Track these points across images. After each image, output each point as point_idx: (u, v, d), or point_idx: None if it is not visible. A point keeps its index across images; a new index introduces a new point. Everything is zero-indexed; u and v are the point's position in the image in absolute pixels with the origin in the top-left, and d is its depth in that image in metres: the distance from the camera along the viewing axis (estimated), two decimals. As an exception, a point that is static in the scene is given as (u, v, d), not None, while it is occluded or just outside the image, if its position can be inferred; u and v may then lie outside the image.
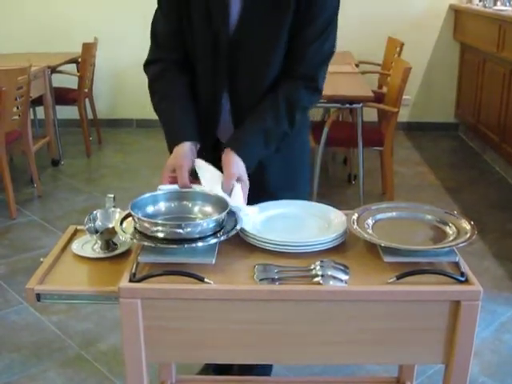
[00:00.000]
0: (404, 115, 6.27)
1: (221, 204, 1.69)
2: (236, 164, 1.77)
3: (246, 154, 1.81)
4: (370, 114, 5.11)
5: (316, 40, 1.84)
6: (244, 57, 1.88)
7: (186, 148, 1.84)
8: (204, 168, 1.80)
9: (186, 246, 1.54)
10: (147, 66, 2.04)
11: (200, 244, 1.55)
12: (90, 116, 5.99)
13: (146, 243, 1.56)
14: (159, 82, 1.99)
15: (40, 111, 5.54)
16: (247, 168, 1.79)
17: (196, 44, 1.91)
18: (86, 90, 5.76)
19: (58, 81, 5.58)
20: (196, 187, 1.77)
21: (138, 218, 1.60)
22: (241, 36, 1.85)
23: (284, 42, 1.84)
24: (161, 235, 1.57)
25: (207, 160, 1.83)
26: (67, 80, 5.65)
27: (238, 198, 1.71)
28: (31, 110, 5.32)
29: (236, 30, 1.85)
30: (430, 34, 6.34)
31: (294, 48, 1.85)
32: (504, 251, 3.83)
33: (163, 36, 1.98)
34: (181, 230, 1.55)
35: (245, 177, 1.77)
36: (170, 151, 1.87)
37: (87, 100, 5.91)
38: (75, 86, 5.64)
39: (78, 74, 5.61)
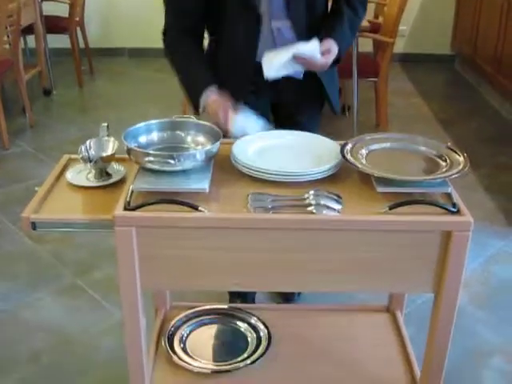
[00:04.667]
0: (400, 46, 6.20)
1: (213, 134, 1.69)
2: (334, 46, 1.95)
3: (340, 40, 1.99)
4: (366, 45, 5.05)
5: None
6: None
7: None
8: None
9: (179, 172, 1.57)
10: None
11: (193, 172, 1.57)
12: (82, 45, 5.90)
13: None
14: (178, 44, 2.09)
15: (31, 40, 5.45)
16: (340, 53, 1.98)
17: None
18: (78, 19, 5.66)
19: (49, 9, 5.47)
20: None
21: (131, 148, 1.60)
22: None
23: None
24: (153, 166, 1.57)
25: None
26: (58, 8, 5.53)
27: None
28: (22, 38, 5.23)
29: None
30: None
31: None
32: (496, 185, 3.85)
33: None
34: (172, 161, 1.55)
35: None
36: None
37: (79, 28, 5.81)
38: (66, 15, 5.53)
39: (69, 2, 5.49)
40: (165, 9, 2.07)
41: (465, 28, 5.99)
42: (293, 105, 2.20)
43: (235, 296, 2.57)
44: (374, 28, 4.46)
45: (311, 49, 1.88)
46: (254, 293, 2.64)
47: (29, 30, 5.06)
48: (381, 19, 5.00)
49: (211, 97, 1.93)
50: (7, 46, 4.39)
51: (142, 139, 1.72)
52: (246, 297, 2.58)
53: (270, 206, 1.51)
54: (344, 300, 2.66)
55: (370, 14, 5.38)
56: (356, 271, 1.55)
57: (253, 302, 2.61)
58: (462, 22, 6.13)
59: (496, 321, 2.65)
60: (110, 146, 1.77)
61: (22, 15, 4.44)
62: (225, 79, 2.00)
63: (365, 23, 4.02)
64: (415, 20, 6.36)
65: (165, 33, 2.10)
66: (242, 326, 2.10)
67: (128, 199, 1.52)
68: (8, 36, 4.35)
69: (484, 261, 3.06)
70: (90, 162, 1.72)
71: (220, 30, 2.05)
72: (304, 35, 1.99)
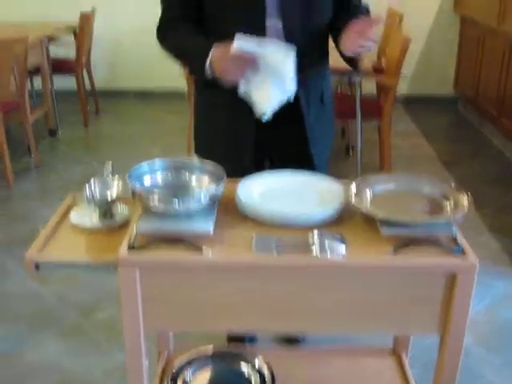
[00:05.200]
0: (403, 88, 6.24)
1: (218, 175, 1.70)
2: None
3: None
4: (369, 87, 5.09)
5: None
6: None
7: (219, 46, 1.89)
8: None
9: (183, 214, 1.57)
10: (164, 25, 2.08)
11: (197, 213, 1.57)
12: (88, 86, 5.96)
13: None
14: (172, 28, 2.06)
15: (37, 81, 5.51)
16: None
17: None
18: (84, 60, 5.73)
19: (56, 51, 5.54)
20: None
21: (135, 190, 1.60)
22: None
23: None
24: (157, 207, 1.57)
25: None
26: (65, 50, 5.61)
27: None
28: (29, 80, 5.29)
29: None
30: (430, 6, 6.30)
31: None
32: (500, 226, 3.84)
33: None
34: (177, 202, 1.55)
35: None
36: (198, 70, 1.95)
37: (85, 70, 5.88)
38: (73, 56, 5.60)
39: (76, 44, 5.57)
40: (161, 6, 2.07)
41: (467, 70, 6.04)
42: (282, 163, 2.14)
43: (233, 339, 2.55)
44: (378, 70, 4.50)
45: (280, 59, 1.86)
46: (254, 336, 2.62)
47: (36, 71, 5.12)
48: (384, 61, 5.05)
49: (216, 49, 1.89)
50: (14, 88, 4.43)
51: (147, 180, 1.72)
52: (243, 340, 2.56)
53: (274, 249, 1.51)
54: (348, 341, 2.64)
55: (372, 56, 5.43)
56: (360, 313, 1.54)
57: (250, 344, 2.59)
58: (464, 64, 6.19)
59: (501, 362, 2.62)
60: (115, 186, 1.77)
61: (29, 57, 4.50)
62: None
63: (368, 66, 4.05)
64: (418, 62, 6.42)
65: (159, 28, 2.08)
66: (246, 368, 2.08)
67: (132, 240, 1.52)
68: (15, 77, 4.40)
69: (489, 302, 3.04)
70: (94, 202, 1.73)
71: (216, 26, 2.02)
72: (296, 39, 1.96)
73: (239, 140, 2.09)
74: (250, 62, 1.84)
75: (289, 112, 2.01)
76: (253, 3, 1.93)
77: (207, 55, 1.89)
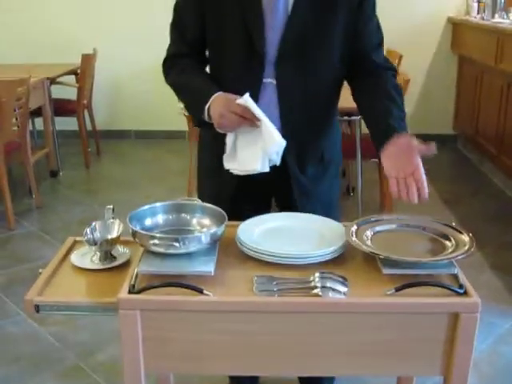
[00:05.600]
0: (402, 127, 6.27)
1: (218, 216, 1.70)
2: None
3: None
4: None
5: (375, 31, 2.02)
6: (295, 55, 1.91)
7: (223, 94, 1.87)
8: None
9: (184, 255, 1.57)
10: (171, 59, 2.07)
11: (198, 255, 1.56)
12: (89, 127, 6.00)
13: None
14: (177, 63, 2.04)
15: (39, 122, 5.55)
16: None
17: (227, 52, 1.95)
18: (85, 102, 5.78)
19: (57, 92, 5.59)
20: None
21: (136, 231, 1.60)
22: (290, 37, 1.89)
23: (339, 39, 1.93)
24: (158, 249, 1.57)
25: None
26: (66, 91, 5.66)
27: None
28: (30, 120, 5.33)
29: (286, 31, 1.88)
30: (428, 46, 6.37)
31: (361, 45, 1.99)
32: (501, 263, 3.83)
33: (192, 34, 2.00)
34: (177, 244, 1.55)
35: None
36: (197, 114, 1.92)
37: (86, 111, 5.92)
38: (74, 98, 5.65)
39: (77, 85, 5.62)
40: (169, 41, 2.07)
41: (466, 108, 6.08)
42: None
43: (234, 381, 2.51)
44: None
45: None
46: (255, 377, 2.59)
47: (37, 112, 5.15)
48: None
49: (221, 93, 1.87)
50: (15, 128, 4.46)
51: (147, 222, 1.72)
52: (245, 381, 2.52)
53: (275, 289, 1.50)
54: (351, 381, 2.61)
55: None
56: (363, 354, 1.53)
57: None
58: (462, 103, 6.24)
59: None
60: (115, 229, 1.77)
61: (30, 98, 4.54)
62: None
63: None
64: (417, 101, 6.47)
65: (165, 61, 2.07)
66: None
67: (133, 282, 1.52)
68: (16, 118, 4.43)
69: (492, 341, 3.01)
70: (95, 244, 1.73)
71: (219, 72, 2.01)
72: (290, 97, 1.94)
73: (223, 184, 2.02)
74: (250, 119, 1.80)
75: (277, 175, 1.96)
76: (251, 57, 1.91)
77: (209, 96, 1.87)
